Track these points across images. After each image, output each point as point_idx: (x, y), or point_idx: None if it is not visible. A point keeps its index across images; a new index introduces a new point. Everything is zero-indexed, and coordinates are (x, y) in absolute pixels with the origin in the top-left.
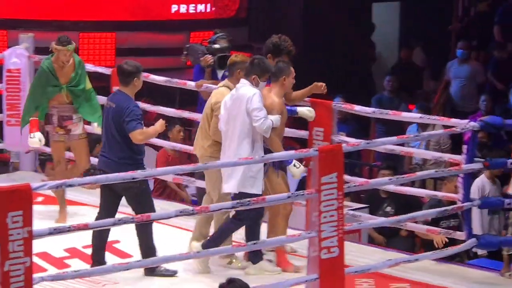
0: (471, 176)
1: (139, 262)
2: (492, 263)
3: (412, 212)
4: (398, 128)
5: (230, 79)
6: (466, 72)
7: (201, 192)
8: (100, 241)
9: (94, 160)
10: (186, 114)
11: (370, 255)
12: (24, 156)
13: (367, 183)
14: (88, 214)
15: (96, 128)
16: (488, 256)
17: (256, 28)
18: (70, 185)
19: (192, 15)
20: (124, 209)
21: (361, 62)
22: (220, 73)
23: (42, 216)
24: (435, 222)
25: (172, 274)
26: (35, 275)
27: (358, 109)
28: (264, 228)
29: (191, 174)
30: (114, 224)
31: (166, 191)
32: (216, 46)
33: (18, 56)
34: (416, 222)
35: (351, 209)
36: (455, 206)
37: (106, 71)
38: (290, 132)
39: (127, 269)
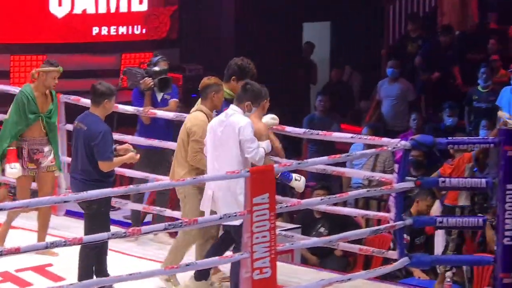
0: (403, 195)
1: (72, 286)
2: (424, 281)
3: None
4: (330, 147)
5: (203, 102)
6: (396, 91)
7: (135, 214)
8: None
9: None
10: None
11: (303, 275)
12: None
13: (299, 203)
14: (21, 238)
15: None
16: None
17: (187, 50)
18: (1, 209)
19: (124, 37)
20: (55, 232)
21: (296, 82)
22: (159, 96)
23: None
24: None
25: None
26: None
27: (289, 130)
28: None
29: (124, 197)
30: (46, 247)
31: None
32: (156, 68)
33: None
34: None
35: (283, 230)
36: (388, 225)
37: None
38: None
39: None
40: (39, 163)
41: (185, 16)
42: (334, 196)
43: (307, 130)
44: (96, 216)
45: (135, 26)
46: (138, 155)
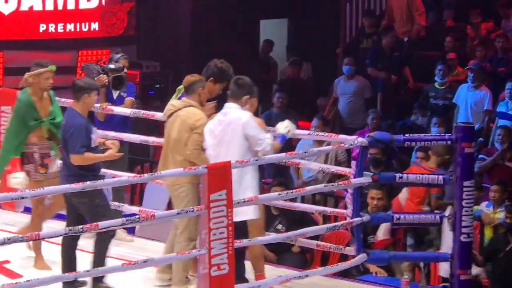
0: (360, 192)
1: (29, 283)
2: (381, 278)
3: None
4: (286, 143)
5: (191, 97)
6: (353, 88)
7: None
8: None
9: None
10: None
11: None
12: None
13: (256, 199)
14: None
15: None
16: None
17: (145, 46)
18: None
19: (81, 33)
20: (12, 228)
21: (255, 80)
22: (115, 93)
23: None
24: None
25: None
26: None
27: None
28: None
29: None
30: (3, 244)
31: None
32: (111, 66)
33: None
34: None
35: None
36: (345, 222)
37: None
38: None
39: None
40: (47, 168)
41: (142, 13)
42: (291, 191)
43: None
44: (94, 210)
45: (92, 23)
46: (120, 154)
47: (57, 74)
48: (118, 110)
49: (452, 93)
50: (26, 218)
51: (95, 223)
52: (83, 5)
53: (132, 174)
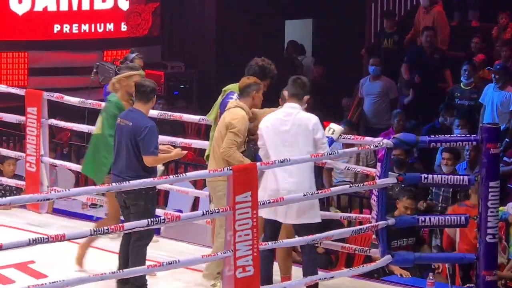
0: (385, 193)
1: (55, 284)
2: (407, 279)
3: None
4: None
5: (243, 100)
6: (378, 89)
7: None
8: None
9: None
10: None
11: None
12: None
13: (282, 200)
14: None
15: None
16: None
17: (169, 47)
18: None
19: (105, 34)
20: (37, 228)
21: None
22: None
23: None
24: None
25: None
26: None
27: None
28: None
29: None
30: (28, 244)
31: None
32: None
33: None
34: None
35: None
36: (370, 225)
37: (20, 91)
38: None
39: None
40: None
41: (167, 13)
42: (317, 192)
43: None
44: (145, 214)
45: (117, 23)
46: (185, 151)
47: (83, 74)
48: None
49: (478, 93)
50: (50, 219)
51: (121, 224)
52: (108, 5)
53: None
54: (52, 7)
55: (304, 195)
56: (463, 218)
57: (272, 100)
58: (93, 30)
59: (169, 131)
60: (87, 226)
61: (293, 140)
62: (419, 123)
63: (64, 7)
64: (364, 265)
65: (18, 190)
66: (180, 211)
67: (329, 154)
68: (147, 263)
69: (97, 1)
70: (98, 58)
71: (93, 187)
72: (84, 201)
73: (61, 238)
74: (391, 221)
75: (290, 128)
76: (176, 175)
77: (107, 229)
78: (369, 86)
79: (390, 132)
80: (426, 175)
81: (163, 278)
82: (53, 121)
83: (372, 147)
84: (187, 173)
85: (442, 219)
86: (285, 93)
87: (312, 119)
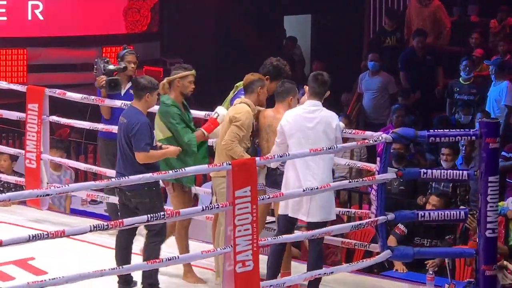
0: (384, 189)
1: (54, 280)
2: (406, 274)
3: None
4: None
5: (248, 97)
6: (377, 84)
7: (113, 208)
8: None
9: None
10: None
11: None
12: None
13: (281, 195)
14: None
15: None
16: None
17: (168, 43)
18: None
19: (104, 30)
20: (37, 225)
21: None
22: (123, 90)
23: None
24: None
25: None
26: None
27: None
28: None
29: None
30: (28, 241)
31: None
32: (110, 67)
33: None
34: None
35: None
36: (369, 220)
37: (21, 88)
38: None
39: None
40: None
41: (166, 9)
42: (316, 187)
43: None
44: (154, 211)
45: (116, 20)
46: (179, 148)
47: (81, 71)
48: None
49: (477, 88)
50: (49, 216)
51: (120, 220)
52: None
53: None
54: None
55: (304, 191)
56: (462, 213)
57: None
58: (92, 27)
59: None
60: (87, 223)
61: (317, 137)
62: (417, 120)
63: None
64: (364, 260)
65: (18, 188)
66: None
67: (328, 149)
68: None
69: None
70: (97, 55)
71: (92, 182)
72: (84, 198)
73: (61, 234)
74: (390, 216)
75: (315, 126)
76: (175, 170)
77: (107, 225)
78: (368, 81)
79: (389, 127)
80: (425, 170)
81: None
82: (54, 118)
83: (371, 141)
84: (186, 168)
85: (441, 214)
86: (306, 88)
87: (335, 117)
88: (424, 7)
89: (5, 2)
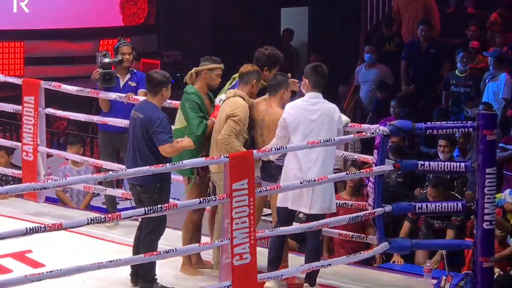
0: (382, 181)
1: (52, 273)
2: (404, 266)
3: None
4: None
5: (242, 88)
6: (374, 76)
7: (110, 200)
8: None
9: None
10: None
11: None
12: None
13: (278, 188)
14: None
15: None
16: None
17: (165, 36)
18: None
19: (101, 23)
20: (34, 218)
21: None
22: (122, 81)
23: None
24: None
25: None
26: None
27: None
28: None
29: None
30: (25, 234)
31: None
32: (105, 60)
33: None
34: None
35: (263, 215)
36: (367, 212)
37: (17, 80)
38: None
39: (39, 280)
40: (205, 171)
41: (163, 2)
42: (313, 179)
43: None
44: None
45: (113, 13)
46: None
47: (79, 63)
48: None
49: (473, 80)
50: (47, 208)
51: (117, 213)
52: None
53: None
54: None
55: (301, 183)
56: (460, 204)
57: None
58: (89, 20)
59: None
60: (84, 215)
61: (319, 130)
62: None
63: None
64: (362, 252)
65: (16, 180)
66: (177, 200)
67: (325, 141)
68: None
69: None
70: (94, 47)
71: (89, 175)
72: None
73: (58, 227)
74: (387, 207)
75: (318, 118)
76: (173, 163)
77: (104, 218)
78: (365, 73)
79: (390, 119)
80: (422, 162)
81: (161, 267)
82: (50, 110)
83: (369, 134)
84: (183, 161)
85: (439, 206)
86: (305, 81)
87: (336, 108)
88: (413, 0)
89: None
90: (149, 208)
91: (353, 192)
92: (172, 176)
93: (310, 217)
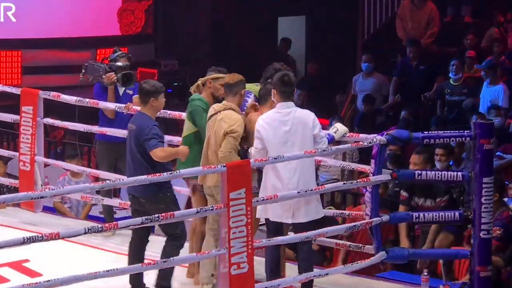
0: (379, 189)
1: (49, 283)
2: (401, 275)
3: (323, 227)
4: None
5: (231, 99)
6: (371, 85)
7: (108, 209)
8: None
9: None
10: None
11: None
12: None
13: (276, 197)
14: None
15: None
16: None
17: (163, 44)
18: None
19: (98, 32)
20: (31, 227)
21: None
22: (121, 90)
23: None
24: None
25: None
26: None
27: None
28: None
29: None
30: (23, 243)
31: None
32: (119, 63)
33: None
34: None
35: (260, 224)
36: (364, 221)
37: (15, 90)
38: None
39: None
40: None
41: (160, 11)
42: (311, 189)
43: None
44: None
45: (110, 22)
46: (188, 149)
47: (76, 73)
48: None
49: (468, 88)
50: (44, 218)
51: (115, 222)
52: (101, 3)
53: None
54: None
55: (298, 193)
56: (457, 214)
57: None
58: (86, 29)
59: (164, 130)
60: (82, 225)
61: (294, 139)
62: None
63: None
64: (359, 261)
65: (12, 190)
66: None
67: (323, 151)
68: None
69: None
70: (91, 57)
71: (87, 184)
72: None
73: (56, 236)
74: (385, 217)
75: (291, 128)
76: (170, 173)
77: (101, 227)
78: (362, 82)
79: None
80: (419, 172)
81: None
82: (49, 120)
83: (365, 143)
84: (180, 171)
85: (436, 216)
86: (274, 91)
87: (311, 115)
88: (418, 9)
89: None
90: (146, 217)
91: None
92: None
93: (298, 226)
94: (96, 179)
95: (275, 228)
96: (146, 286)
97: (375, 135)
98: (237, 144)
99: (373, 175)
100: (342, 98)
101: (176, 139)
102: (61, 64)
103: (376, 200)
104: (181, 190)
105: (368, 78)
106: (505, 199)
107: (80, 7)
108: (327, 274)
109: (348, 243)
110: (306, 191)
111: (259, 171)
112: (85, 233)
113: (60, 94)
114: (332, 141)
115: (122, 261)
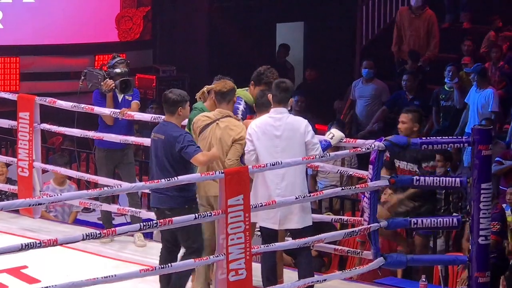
0: (377, 196)
1: None
2: (400, 281)
3: (321, 233)
4: None
5: (226, 107)
6: (371, 91)
7: (106, 215)
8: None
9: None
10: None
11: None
12: None
13: (274, 203)
14: None
15: None
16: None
17: (161, 51)
18: None
19: (97, 38)
20: (30, 233)
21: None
22: (120, 97)
23: None
24: None
25: None
26: None
27: None
28: None
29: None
30: (21, 249)
31: None
32: (117, 70)
33: None
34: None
35: (258, 230)
36: (362, 227)
37: (12, 96)
38: None
39: None
40: None
41: (158, 17)
42: (309, 195)
43: None
44: (193, 228)
45: (109, 28)
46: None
47: (75, 79)
48: (138, 116)
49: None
50: (42, 224)
51: (113, 229)
52: (99, 10)
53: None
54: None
55: (296, 198)
56: (455, 220)
57: None
58: (84, 35)
59: None
60: (80, 231)
61: (286, 145)
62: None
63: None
64: (357, 267)
65: (11, 196)
66: None
67: (321, 157)
68: (139, 267)
69: (88, 6)
70: (89, 63)
71: (84, 191)
72: (77, 206)
73: (54, 242)
74: (383, 223)
75: (282, 133)
76: (168, 179)
77: (99, 233)
78: (361, 88)
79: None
80: (418, 178)
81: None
82: (45, 126)
83: (364, 149)
84: (179, 177)
85: (434, 221)
86: (270, 97)
87: (303, 122)
88: (416, 17)
89: None
90: (144, 224)
91: None
92: None
93: (294, 232)
94: (95, 184)
95: (267, 234)
96: None
97: (373, 140)
98: (241, 151)
99: (371, 181)
100: (340, 104)
101: None
102: (59, 70)
103: (374, 205)
104: None
105: (368, 84)
106: (504, 205)
107: (78, 13)
108: (325, 280)
109: (347, 248)
110: (304, 197)
111: None
112: (83, 239)
113: (56, 100)
114: (329, 147)
115: (120, 267)
